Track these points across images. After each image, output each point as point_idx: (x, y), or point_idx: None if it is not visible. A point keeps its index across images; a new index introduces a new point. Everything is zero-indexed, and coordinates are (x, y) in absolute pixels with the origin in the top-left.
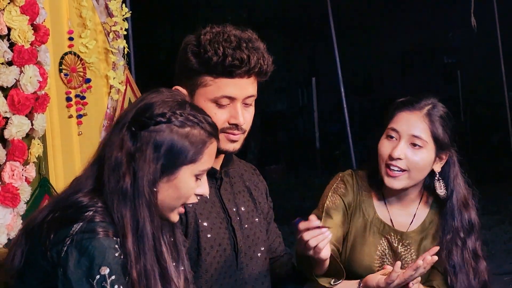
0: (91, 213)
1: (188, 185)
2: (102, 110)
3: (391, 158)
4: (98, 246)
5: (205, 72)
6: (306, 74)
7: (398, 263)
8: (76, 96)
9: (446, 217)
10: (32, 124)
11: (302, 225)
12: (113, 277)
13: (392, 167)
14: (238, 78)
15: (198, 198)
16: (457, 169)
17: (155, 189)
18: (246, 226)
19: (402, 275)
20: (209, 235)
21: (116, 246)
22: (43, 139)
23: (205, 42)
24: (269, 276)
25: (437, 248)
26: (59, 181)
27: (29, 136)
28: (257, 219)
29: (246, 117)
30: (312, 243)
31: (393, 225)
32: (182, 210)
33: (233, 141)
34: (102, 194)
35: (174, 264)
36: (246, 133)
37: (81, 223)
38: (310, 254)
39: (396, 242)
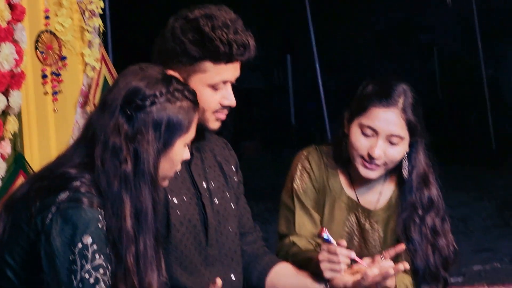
0: (78, 183)
1: (181, 155)
2: (77, 88)
3: (370, 157)
4: (82, 215)
5: (207, 60)
6: (281, 51)
7: (367, 272)
8: (52, 73)
9: (405, 193)
10: (7, 101)
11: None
12: (94, 246)
13: (369, 163)
14: (236, 63)
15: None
16: (419, 146)
17: (158, 169)
18: (217, 201)
19: (371, 279)
20: (179, 212)
21: (100, 217)
22: (19, 116)
23: (206, 29)
24: (240, 252)
25: (402, 246)
26: (34, 158)
27: (4, 113)
28: (227, 194)
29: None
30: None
31: (359, 201)
32: (172, 176)
33: (220, 120)
34: (89, 169)
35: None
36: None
37: (67, 192)
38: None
39: (364, 219)
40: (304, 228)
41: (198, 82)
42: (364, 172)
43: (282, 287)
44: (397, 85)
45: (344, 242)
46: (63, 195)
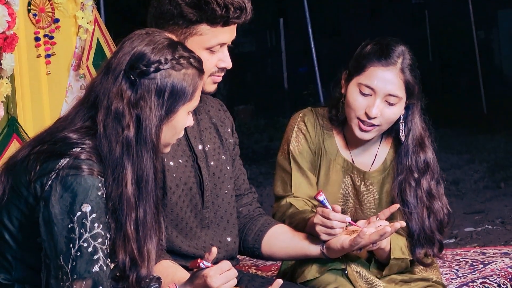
0: (78, 149)
1: (184, 122)
2: (70, 50)
3: (367, 116)
4: (82, 183)
5: (204, 22)
6: (274, 15)
7: (364, 230)
8: (45, 36)
9: (401, 156)
10: (0, 64)
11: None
12: (94, 215)
13: (365, 123)
14: (232, 25)
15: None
16: (415, 109)
17: (160, 135)
18: (212, 163)
19: (367, 239)
20: (175, 174)
21: (100, 185)
22: (12, 78)
23: None
24: (235, 214)
25: (397, 206)
26: (28, 121)
27: None
28: (223, 156)
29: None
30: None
31: (354, 162)
32: (174, 142)
33: (217, 83)
34: (91, 134)
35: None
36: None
37: (67, 159)
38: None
39: (359, 181)
40: (300, 190)
41: (194, 45)
42: (359, 133)
43: (278, 248)
44: (396, 46)
45: (338, 208)
46: (64, 161)
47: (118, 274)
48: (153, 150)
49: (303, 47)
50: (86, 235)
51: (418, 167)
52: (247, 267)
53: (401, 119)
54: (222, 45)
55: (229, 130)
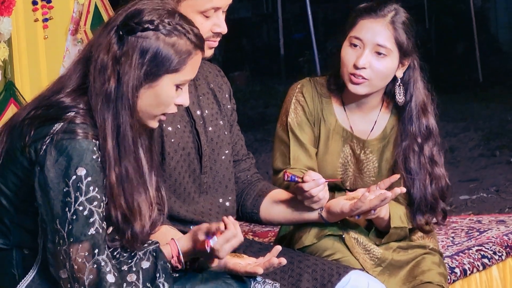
0: (72, 114)
1: (168, 94)
2: (68, 14)
3: (355, 67)
4: (77, 147)
5: None
6: None
7: (366, 194)
8: (42, 0)
9: (404, 122)
10: None
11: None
12: (89, 178)
13: (356, 76)
14: None
15: (177, 108)
16: (417, 74)
17: (137, 94)
18: (210, 128)
19: (368, 203)
20: (173, 139)
21: (95, 148)
22: (9, 42)
23: None
24: (234, 179)
25: (397, 176)
26: (25, 85)
27: None
28: (221, 122)
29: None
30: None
31: (353, 131)
32: (163, 118)
33: (212, 48)
34: (85, 94)
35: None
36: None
37: (62, 123)
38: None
39: (359, 149)
40: (299, 162)
41: (188, 9)
42: (351, 87)
43: (277, 213)
44: (389, 4)
45: (307, 176)
46: (58, 126)
47: (116, 236)
48: (129, 108)
49: (299, 13)
50: (81, 199)
51: (421, 133)
52: (244, 233)
53: (398, 81)
54: (216, 9)
55: (226, 95)
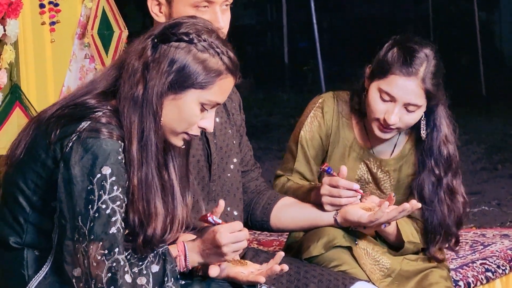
0: (99, 113)
1: (192, 111)
2: (75, 18)
3: (386, 123)
4: (103, 146)
5: None
6: None
7: (386, 203)
8: (50, 3)
9: (423, 153)
10: (4, 30)
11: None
12: (113, 177)
13: (385, 127)
14: None
15: (200, 131)
16: (441, 110)
17: (161, 102)
18: (220, 137)
19: (386, 215)
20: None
21: (120, 149)
22: (15, 45)
23: None
24: (241, 188)
25: (418, 205)
26: (31, 88)
27: (1, 42)
28: (230, 131)
29: (225, 20)
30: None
31: (373, 152)
32: (187, 137)
33: None
34: (112, 97)
35: (182, 191)
36: (225, 35)
37: (88, 122)
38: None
39: (376, 168)
40: (300, 176)
41: (180, 2)
42: (378, 133)
43: (288, 219)
44: (420, 51)
45: (344, 168)
46: (85, 124)
47: (130, 238)
48: (154, 114)
49: (305, 21)
50: (105, 197)
51: (441, 164)
52: (248, 241)
53: (423, 117)
54: (210, 3)
55: (237, 106)
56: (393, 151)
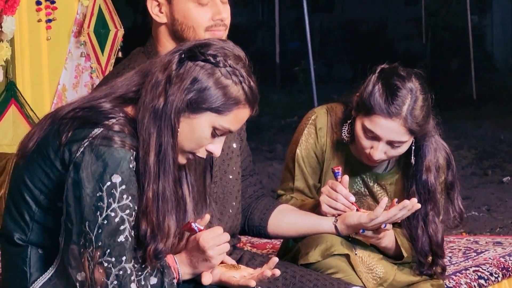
0: (113, 120)
1: (203, 133)
2: (71, 16)
3: (372, 157)
4: (114, 154)
5: None
6: None
7: (385, 199)
8: (46, 0)
9: (407, 178)
10: (1, 27)
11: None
12: (123, 186)
13: (372, 161)
14: None
15: (206, 154)
16: (430, 139)
17: (179, 118)
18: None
19: (386, 213)
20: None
21: (131, 158)
22: (11, 42)
23: None
24: (241, 192)
25: (418, 206)
26: (26, 85)
27: None
28: (231, 134)
29: (226, 11)
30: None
31: (369, 167)
32: (191, 157)
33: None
34: (128, 103)
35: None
36: (227, 30)
37: (101, 129)
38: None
39: (372, 181)
40: (300, 193)
41: (181, 0)
42: (367, 162)
43: (286, 225)
44: (403, 89)
45: (346, 178)
46: (97, 131)
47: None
48: (172, 129)
49: (296, 21)
50: (114, 205)
51: (420, 193)
52: (242, 243)
53: (413, 142)
54: None
55: None
56: (387, 165)
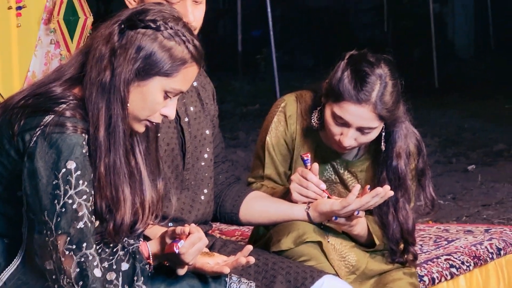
0: (63, 106)
1: (155, 98)
2: (41, 3)
3: (342, 144)
4: (67, 140)
5: None
6: None
7: (358, 186)
8: None
9: (377, 165)
10: None
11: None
12: (78, 172)
13: (342, 147)
14: None
15: (162, 118)
16: (401, 124)
17: (128, 89)
18: (194, 126)
19: (359, 201)
20: (159, 134)
21: (84, 142)
22: None
23: None
24: (213, 179)
25: (391, 193)
26: None
27: None
28: (204, 120)
29: (196, 15)
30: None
31: (338, 153)
32: (149, 124)
33: None
34: (78, 84)
35: (150, 176)
36: (197, 30)
37: (52, 116)
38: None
39: (342, 169)
40: (270, 180)
41: None
42: (338, 149)
43: (259, 212)
44: (372, 75)
45: (316, 166)
46: (48, 118)
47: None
48: (121, 101)
49: (258, 9)
50: (71, 192)
51: (391, 180)
52: (211, 231)
53: (383, 129)
54: None
55: (210, 96)
56: (357, 153)
